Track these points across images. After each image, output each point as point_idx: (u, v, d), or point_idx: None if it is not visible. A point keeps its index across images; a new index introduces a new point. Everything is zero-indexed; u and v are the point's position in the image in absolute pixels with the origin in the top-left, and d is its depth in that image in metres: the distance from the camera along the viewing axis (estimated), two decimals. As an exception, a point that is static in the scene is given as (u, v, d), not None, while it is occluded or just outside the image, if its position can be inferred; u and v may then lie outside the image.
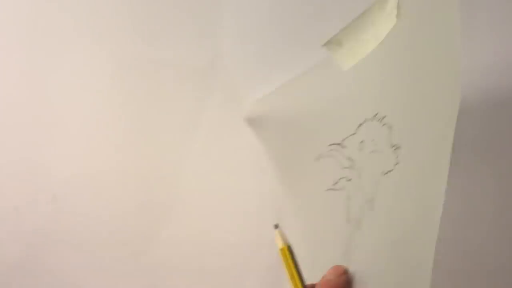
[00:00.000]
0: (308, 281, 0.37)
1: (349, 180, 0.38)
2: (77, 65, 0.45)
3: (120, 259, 0.45)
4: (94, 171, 0.45)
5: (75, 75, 0.45)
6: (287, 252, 0.39)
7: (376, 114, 0.38)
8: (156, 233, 0.45)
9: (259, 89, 0.42)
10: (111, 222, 0.45)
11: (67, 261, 0.46)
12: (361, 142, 0.38)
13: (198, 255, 0.45)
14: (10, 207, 0.46)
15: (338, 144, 0.39)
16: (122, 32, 0.44)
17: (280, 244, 0.39)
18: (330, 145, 0.39)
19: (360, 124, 0.38)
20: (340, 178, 0.39)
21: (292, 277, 0.38)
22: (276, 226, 0.40)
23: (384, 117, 0.37)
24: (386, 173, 0.36)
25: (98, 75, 0.45)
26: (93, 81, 0.45)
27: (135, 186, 0.45)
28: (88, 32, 0.44)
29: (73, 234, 0.46)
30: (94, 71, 0.45)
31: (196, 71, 0.44)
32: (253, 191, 0.43)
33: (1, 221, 0.46)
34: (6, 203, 0.46)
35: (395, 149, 0.36)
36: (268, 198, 0.42)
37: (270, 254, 0.42)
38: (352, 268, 0.36)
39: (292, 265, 0.38)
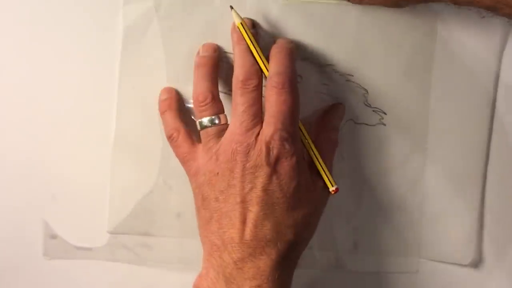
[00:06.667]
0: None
1: None
2: (78, 64, 0.44)
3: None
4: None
5: (77, 74, 0.44)
6: (245, 26, 0.39)
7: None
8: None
9: None
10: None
11: (67, 261, 0.45)
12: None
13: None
14: (10, 207, 0.46)
15: None
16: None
17: (237, 20, 0.40)
18: None
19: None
20: None
21: (254, 50, 0.39)
22: (232, 7, 0.40)
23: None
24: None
25: (100, 74, 0.44)
26: (95, 80, 0.44)
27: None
28: (92, 31, 0.44)
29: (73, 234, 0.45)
30: (95, 70, 0.44)
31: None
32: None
33: (1, 221, 0.46)
34: (6, 203, 0.46)
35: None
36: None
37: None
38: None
39: (252, 37, 0.39)
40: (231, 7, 0.40)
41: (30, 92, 0.45)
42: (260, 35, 0.41)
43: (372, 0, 0.39)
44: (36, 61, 0.44)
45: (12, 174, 0.45)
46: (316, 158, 0.39)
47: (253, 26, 0.41)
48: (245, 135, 0.37)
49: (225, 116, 0.40)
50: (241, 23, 0.39)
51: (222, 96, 0.41)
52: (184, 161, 0.40)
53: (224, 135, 0.38)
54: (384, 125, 0.42)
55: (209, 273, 0.37)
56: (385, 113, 0.42)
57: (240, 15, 0.40)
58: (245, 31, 0.39)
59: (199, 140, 0.40)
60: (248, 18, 0.41)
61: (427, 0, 0.39)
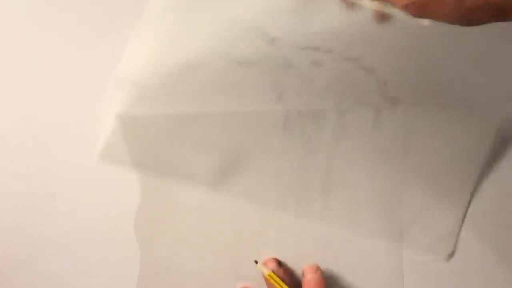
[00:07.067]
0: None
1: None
2: (79, 64, 0.44)
3: (121, 259, 0.46)
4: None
5: (77, 74, 0.45)
6: (274, 276, 0.41)
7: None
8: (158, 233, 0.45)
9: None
10: (112, 222, 0.45)
11: (67, 261, 0.46)
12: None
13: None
14: (10, 207, 0.46)
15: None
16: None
17: (266, 272, 0.41)
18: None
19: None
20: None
21: None
22: (256, 262, 0.42)
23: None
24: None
25: (100, 74, 0.45)
26: (95, 80, 0.45)
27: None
28: (92, 31, 0.44)
29: (73, 234, 0.46)
30: (96, 70, 0.44)
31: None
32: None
33: (1, 221, 0.46)
34: (6, 203, 0.46)
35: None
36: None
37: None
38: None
39: (282, 283, 0.41)
40: (256, 262, 0.42)
41: (31, 92, 0.45)
42: None
43: (436, 16, 0.33)
44: (36, 61, 0.45)
45: (12, 174, 0.46)
46: None
47: (279, 264, 0.42)
48: None
49: None
50: (270, 273, 0.41)
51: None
52: None
53: None
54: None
55: None
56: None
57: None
58: (275, 280, 0.41)
59: None
60: (272, 259, 0.42)
61: (508, 19, 0.32)
